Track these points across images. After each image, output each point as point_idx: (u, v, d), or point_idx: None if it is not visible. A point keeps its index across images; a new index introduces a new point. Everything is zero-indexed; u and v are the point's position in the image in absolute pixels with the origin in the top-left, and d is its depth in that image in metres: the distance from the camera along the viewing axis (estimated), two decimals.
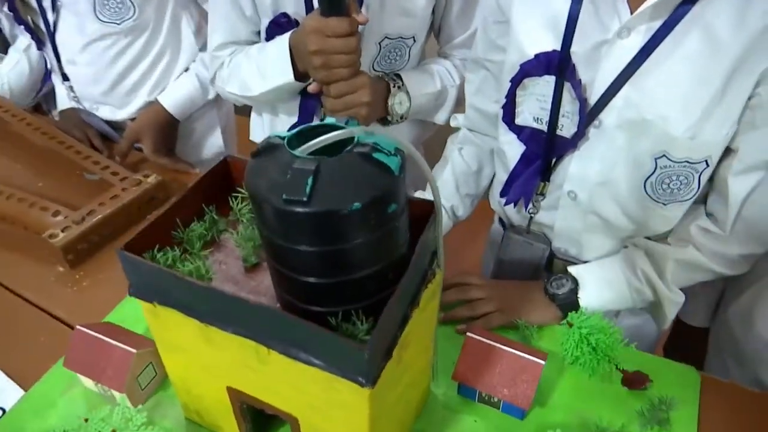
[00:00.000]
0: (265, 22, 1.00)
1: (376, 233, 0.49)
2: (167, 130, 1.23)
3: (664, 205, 0.79)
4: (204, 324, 0.57)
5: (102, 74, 1.19)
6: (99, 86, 1.21)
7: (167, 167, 1.21)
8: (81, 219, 1.01)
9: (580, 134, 0.79)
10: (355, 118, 0.92)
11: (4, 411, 0.79)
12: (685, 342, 1.03)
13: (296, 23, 0.96)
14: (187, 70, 1.24)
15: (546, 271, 0.98)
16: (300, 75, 0.95)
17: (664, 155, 0.74)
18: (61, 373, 0.81)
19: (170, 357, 0.67)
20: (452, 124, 1.06)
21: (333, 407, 0.57)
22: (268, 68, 0.98)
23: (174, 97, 1.21)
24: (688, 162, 0.73)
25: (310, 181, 0.46)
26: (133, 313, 0.90)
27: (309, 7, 0.95)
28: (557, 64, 0.78)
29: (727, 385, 0.80)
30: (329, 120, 0.53)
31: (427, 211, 0.59)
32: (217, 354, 0.60)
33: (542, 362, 0.72)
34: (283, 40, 0.94)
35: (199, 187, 0.65)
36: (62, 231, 0.99)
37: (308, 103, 1.04)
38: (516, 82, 0.83)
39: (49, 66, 1.30)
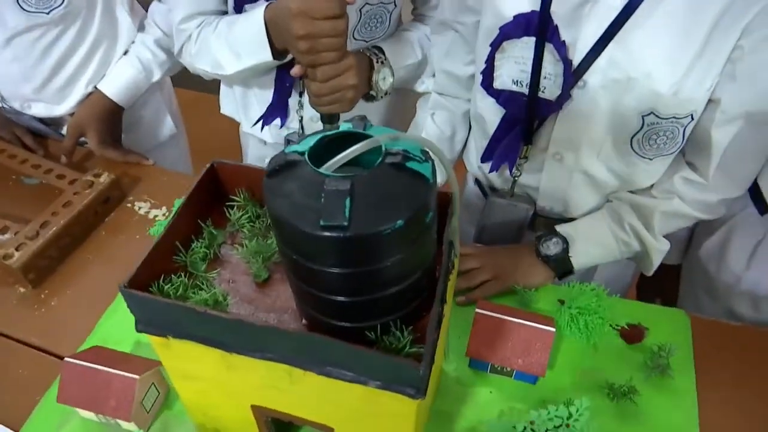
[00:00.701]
0: None
1: (415, 245, 0.47)
2: (112, 120, 1.11)
3: (650, 160, 0.81)
4: (229, 353, 0.53)
5: (32, 70, 1.05)
6: (30, 83, 1.07)
7: (117, 160, 1.11)
8: (35, 233, 0.92)
9: (565, 96, 0.79)
10: (341, 101, 0.86)
11: None
12: (658, 279, 1.08)
13: None
14: (126, 53, 1.11)
15: (530, 230, 0.99)
16: (278, 53, 0.88)
17: (651, 113, 0.75)
18: (52, 406, 0.76)
19: (184, 384, 0.64)
20: (420, 89, 1.03)
21: (375, 416, 0.55)
22: (242, 46, 0.90)
23: (116, 84, 1.09)
24: (675, 118, 0.74)
25: (347, 203, 0.42)
26: (116, 330, 0.85)
27: None
28: (537, 25, 0.76)
29: (712, 323, 0.86)
30: (345, 126, 0.49)
31: (440, 201, 0.57)
32: (241, 378, 0.57)
33: (552, 330, 0.74)
34: (256, 16, 0.85)
35: (191, 201, 0.60)
36: (17, 249, 0.90)
37: (285, 76, 0.97)
38: (496, 45, 0.80)
39: None
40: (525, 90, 0.82)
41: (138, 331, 0.55)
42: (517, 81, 0.83)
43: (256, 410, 0.62)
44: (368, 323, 0.51)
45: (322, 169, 0.44)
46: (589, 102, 0.78)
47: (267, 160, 1.24)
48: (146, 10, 1.14)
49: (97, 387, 0.70)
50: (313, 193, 0.44)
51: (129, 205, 1.06)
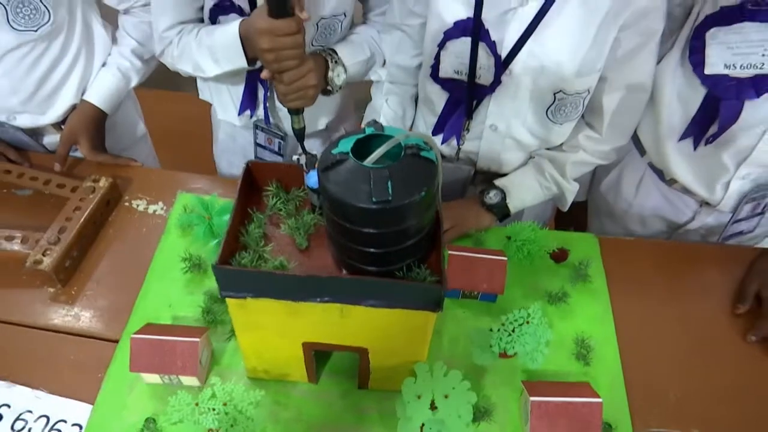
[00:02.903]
0: (209, 4, 1.07)
1: (429, 207, 0.69)
2: (100, 127, 1.22)
3: (561, 124, 1.07)
4: (295, 302, 0.73)
5: (20, 84, 1.13)
6: (17, 96, 1.14)
7: (108, 163, 1.22)
8: (56, 239, 1.03)
9: (496, 82, 1.02)
10: (304, 98, 1.04)
11: (81, 427, 0.88)
12: (571, 213, 1.37)
13: (239, 9, 1.04)
14: (104, 65, 1.21)
15: (472, 185, 1.24)
16: (251, 60, 1.04)
17: (561, 91, 1.00)
18: (118, 376, 0.91)
19: (248, 335, 0.82)
20: (373, 78, 1.22)
21: (401, 332, 0.77)
22: (220, 54, 1.06)
23: (101, 92, 1.20)
24: (577, 93, 1.00)
25: (389, 184, 0.63)
26: (152, 311, 1.00)
27: None
28: (472, 28, 0.98)
29: (613, 240, 1.15)
30: (369, 130, 0.69)
31: None
32: (300, 321, 0.77)
33: (505, 258, 0.99)
34: (231, 30, 1.01)
35: (241, 195, 0.78)
36: (44, 255, 1.01)
37: (254, 77, 1.15)
38: (441, 45, 1.02)
39: None
40: (464, 78, 1.05)
41: (222, 296, 0.73)
42: (458, 71, 1.05)
43: (306, 346, 0.83)
44: (397, 266, 0.72)
45: (365, 163, 0.64)
46: (515, 85, 1.02)
47: (236, 139, 1.38)
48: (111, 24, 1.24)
49: (164, 353, 0.87)
50: (360, 179, 0.64)
51: (127, 204, 1.18)
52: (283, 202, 0.82)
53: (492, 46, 0.98)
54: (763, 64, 0.89)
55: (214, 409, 0.79)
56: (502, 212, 1.14)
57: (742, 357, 0.99)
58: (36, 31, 1.06)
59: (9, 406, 0.90)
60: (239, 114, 1.23)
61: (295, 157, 0.79)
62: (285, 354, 0.85)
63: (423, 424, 0.82)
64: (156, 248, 1.09)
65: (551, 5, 0.93)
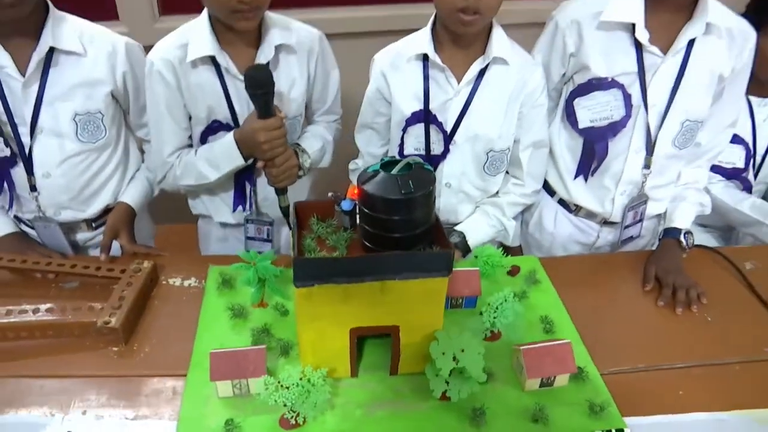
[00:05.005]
0: (198, 129, 1.45)
1: (432, 201, 1.04)
2: (132, 223, 1.51)
3: (494, 176, 1.50)
4: (349, 284, 1.02)
5: (73, 183, 1.42)
6: (68, 193, 1.43)
7: (141, 253, 1.47)
8: (119, 305, 1.25)
9: (446, 151, 1.45)
10: (290, 176, 1.41)
11: None
12: (510, 253, 1.76)
13: (227, 126, 1.43)
14: (133, 177, 1.53)
15: None
16: (245, 157, 1.41)
17: (491, 150, 1.44)
18: (194, 396, 1.11)
19: (308, 327, 1.07)
20: (351, 167, 1.62)
21: (423, 304, 1.07)
22: (220, 160, 1.42)
23: (135, 196, 1.52)
24: (501, 150, 1.45)
25: (411, 183, 0.99)
26: (209, 349, 1.21)
27: (233, 114, 1.42)
28: (424, 117, 1.43)
29: (548, 259, 1.54)
30: (387, 158, 1.06)
31: None
32: (350, 304, 1.04)
33: (478, 269, 1.34)
34: (227, 138, 1.40)
35: (298, 225, 1.09)
36: (110, 317, 1.22)
37: (242, 178, 1.51)
38: (404, 131, 1.45)
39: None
40: (422, 152, 1.47)
41: (297, 286, 1.00)
42: (416, 148, 1.47)
43: (352, 332, 1.09)
44: (415, 248, 1.05)
45: (393, 172, 1.00)
46: (459, 151, 1.45)
47: (228, 239, 1.69)
48: None
49: (237, 361, 1.09)
50: (390, 183, 0.99)
51: (165, 282, 1.42)
52: (324, 227, 1.14)
53: (440, 126, 1.42)
54: (612, 116, 1.39)
55: (294, 385, 1.01)
56: (464, 248, 1.50)
57: (656, 316, 1.36)
58: (94, 143, 1.40)
59: None
60: (233, 211, 1.56)
61: (330, 194, 1.13)
62: (336, 344, 1.10)
63: (448, 382, 1.08)
64: (200, 307, 1.32)
65: (474, 94, 1.40)
